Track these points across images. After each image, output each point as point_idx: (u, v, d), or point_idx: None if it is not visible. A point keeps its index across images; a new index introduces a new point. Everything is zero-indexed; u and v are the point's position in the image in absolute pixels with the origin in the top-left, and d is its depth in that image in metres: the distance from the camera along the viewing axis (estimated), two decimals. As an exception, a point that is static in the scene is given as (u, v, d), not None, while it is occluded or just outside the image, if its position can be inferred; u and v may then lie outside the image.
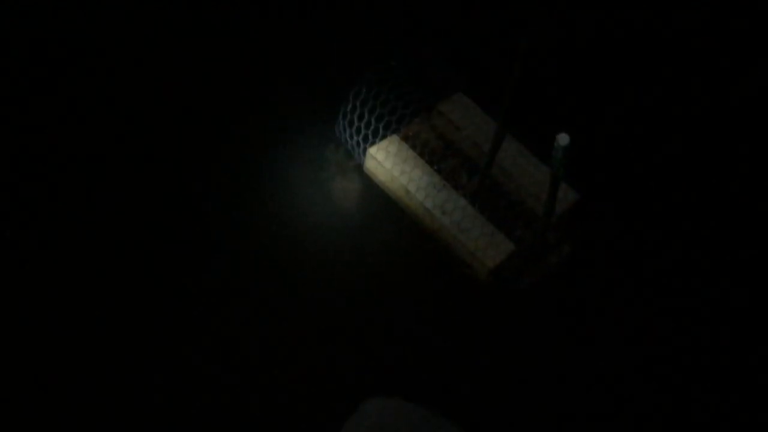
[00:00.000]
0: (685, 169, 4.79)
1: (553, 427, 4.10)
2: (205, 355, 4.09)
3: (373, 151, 4.48)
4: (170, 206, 4.44)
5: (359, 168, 4.62)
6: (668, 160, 4.81)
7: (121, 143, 4.57)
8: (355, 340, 4.20)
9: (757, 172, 4.81)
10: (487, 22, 5.08)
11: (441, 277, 4.39)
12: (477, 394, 4.12)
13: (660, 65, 5.09)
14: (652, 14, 5.18)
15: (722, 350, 4.32)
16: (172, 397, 3.99)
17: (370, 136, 4.51)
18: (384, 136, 4.53)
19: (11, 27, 4.79)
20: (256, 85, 4.81)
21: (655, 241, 4.56)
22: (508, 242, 4.33)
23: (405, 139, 4.55)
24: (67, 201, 4.38)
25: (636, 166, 4.78)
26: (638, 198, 4.68)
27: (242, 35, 4.93)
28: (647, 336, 4.33)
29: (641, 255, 4.52)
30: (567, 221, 4.47)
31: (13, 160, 4.46)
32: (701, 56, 5.13)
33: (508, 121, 4.13)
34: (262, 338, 4.16)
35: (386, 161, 4.45)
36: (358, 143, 4.54)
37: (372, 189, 4.58)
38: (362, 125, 4.50)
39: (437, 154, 4.57)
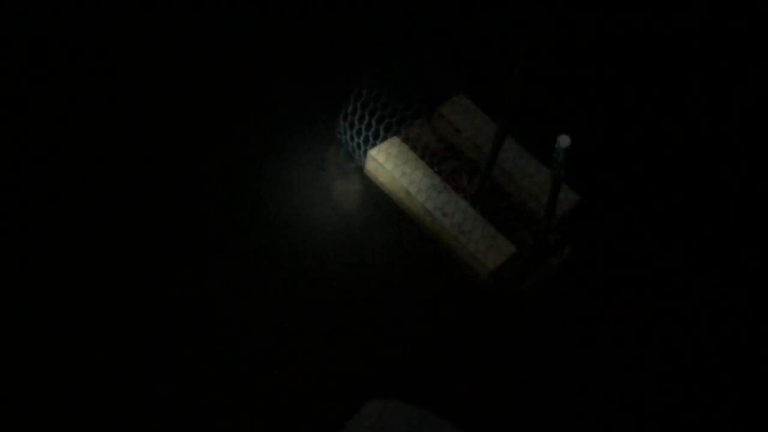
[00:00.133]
0: (686, 170, 4.79)
1: (553, 429, 4.10)
2: (204, 356, 4.09)
3: (373, 152, 4.48)
4: (170, 206, 4.44)
5: (360, 170, 4.62)
6: (669, 161, 4.81)
7: (121, 143, 4.57)
8: (355, 341, 4.20)
9: (758, 173, 4.82)
10: (487, 22, 5.07)
11: (441, 278, 4.39)
12: (477, 395, 4.13)
13: (660, 65, 5.08)
14: (652, 14, 5.17)
15: (724, 351, 4.33)
16: (171, 397, 3.99)
17: (370, 138, 4.51)
18: (385, 138, 4.53)
19: (11, 27, 4.78)
20: (256, 85, 4.80)
21: (656, 242, 4.57)
22: (509, 244, 4.33)
23: (406, 140, 4.55)
24: (67, 201, 4.38)
25: (637, 167, 4.78)
26: (639, 199, 4.69)
27: (242, 35, 4.92)
28: (648, 337, 4.33)
29: (642, 256, 4.52)
30: (568, 223, 4.48)
31: (13, 160, 4.45)
32: (701, 56, 5.13)
33: (508, 123, 4.13)
34: (262, 339, 4.16)
35: (387, 163, 4.45)
36: (358, 145, 4.54)
37: (372, 191, 4.58)
38: (363, 127, 4.50)
39: (438, 155, 4.57)
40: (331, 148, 4.66)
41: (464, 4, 5.13)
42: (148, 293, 4.21)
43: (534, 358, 4.23)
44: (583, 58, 5.06)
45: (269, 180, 4.57)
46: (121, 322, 4.12)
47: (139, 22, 4.89)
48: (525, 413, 4.11)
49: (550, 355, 4.25)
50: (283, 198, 4.53)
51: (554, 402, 4.14)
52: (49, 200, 4.37)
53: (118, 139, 4.58)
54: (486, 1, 5.13)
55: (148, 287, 4.22)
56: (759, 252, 4.60)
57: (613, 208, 4.65)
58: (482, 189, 4.45)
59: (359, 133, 4.52)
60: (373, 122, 4.50)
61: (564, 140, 3.64)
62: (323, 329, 4.22)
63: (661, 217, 4.64)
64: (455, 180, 4.51)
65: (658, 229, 4.61)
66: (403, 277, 4.39)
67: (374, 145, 4.52)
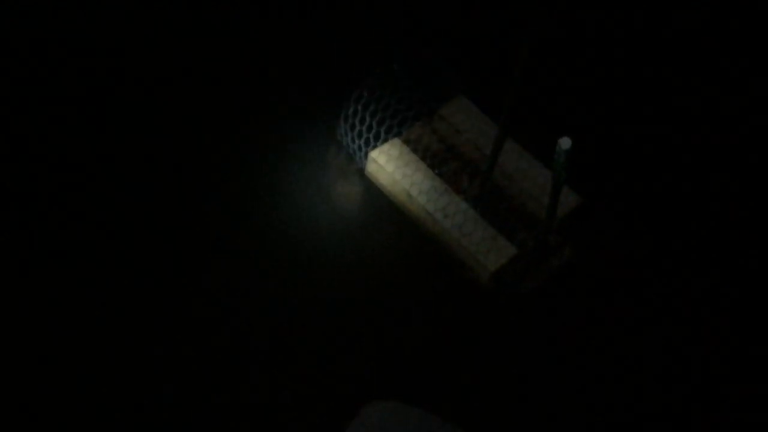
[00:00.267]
0: (687, 171, 4.79)
1: (554, 430, 4.11)
2: (204, 356, 4.08)
3: (374, 154, 4.48)
4: (170, 207, 4.43)
5: (360, 171, 4.62)
6: (669, 162, 4.81)
7: (120, 143, 4.56)
8: (355, 342, 4.20)
9: (759, 173, 4.82)
10: (488, 23, 5.07)
11: (442, 280, 4.39)
12: (478, 397, 4.13)
13: (660, 65, 5.09)
14: (652, 14, 5.18)
15: (725, 352, 4.33)
16: (171, 397, 3.99)
17: (371, 140, 4.51)
18: (385, 140, 4.54)
19: (11, 27, 4.78)
20: (256, 86, 4.80)
21: (656, 243, 4.57)
22: (510, 246, 4.33)
23: (406, 142, 4.55)
24: (67, 201, 4.38)
25: (637, 169, 4.78)
26: (640, 200, 4.69)
27: (242, 35, 4.92)
28: (649, 338, 4.33)
29: (642, 257, 4.53)
30: (569, 224, 4.48)
31: (13, 160, 4.45)
32: (701, 56, 5.13)
33: (509, 124, 4.13)
34: (261, 339, 4.16)
35: (388, 165, 4.45)
36: (359, 147, 4.54)
37: (373, 192, 4.58)
38: (364, 129, 4.50)
39: (439, 157, 4.57)
40: (331, 150, 4.66)
41: (465, 4, 5.13)
42: (147, 293, 4.20)
43: (534, 360, 4.24)
44: (583, 58, 5.06)
45: (270, 181, 4.57)
46: (121, 323, 4.12)
47: (139, 22, 4.89)
48: (525, 414, 4.11)
49: (551, 356, 4.25)
50: (283, 199, 4.53)
51: (555, 403, 4.14)
52: (49, 200, 4.37)
53: (118, 139, 4.58)
54: (487, 1, 5.13)
55: (148, 287, 4.22)
56: (759, 252, 4.60)
57: (613, 209, 4.65)
58: (483, 190, 4.45)
59: (360, 135, 4.52)
60: (374, 124, 4.50)
61: (565, 142, 3.64)
62: (323, 329, 4.22)
63: (662, 218, 4.65)
64: (456, 182, 4.51)
65: (659, 231, 4.61)
66: (404, 279, 4.39)
67: (375, 146, 4.52)
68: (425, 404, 3.78)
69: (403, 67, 4.59)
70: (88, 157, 4.51)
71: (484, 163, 4.44)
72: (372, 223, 4.52)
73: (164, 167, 4.54)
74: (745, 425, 4.19)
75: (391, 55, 4.67)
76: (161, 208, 4.43)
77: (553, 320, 4.34)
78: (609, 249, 4.54)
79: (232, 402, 4.01)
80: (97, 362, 4.02)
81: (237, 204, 4.49)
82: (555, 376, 4.21)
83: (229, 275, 4.30)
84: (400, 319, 4.28)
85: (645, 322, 4.37)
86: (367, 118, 4.50)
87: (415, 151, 4.54)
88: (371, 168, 4.54)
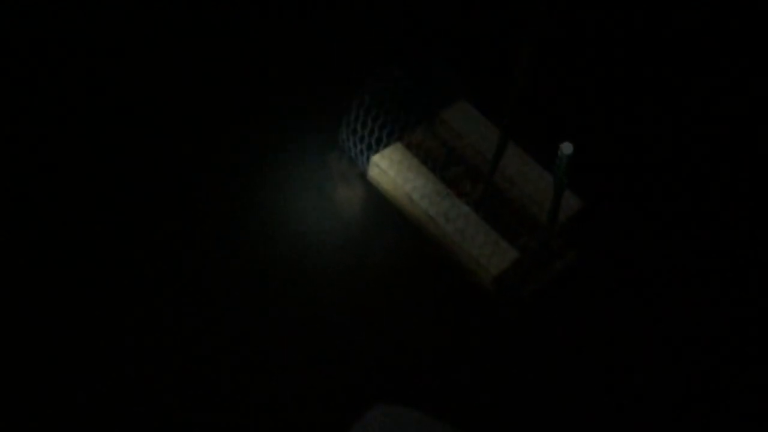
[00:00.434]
0: (689, 174, 4.80)
1: (555, 435, 4.14)
2: (203, 358, 4.09)
3: (376, 158, 4.48)
4: (169, 207, 4.43)
5: (362, 176, 4.62)
6: (672, 165, 4.82)
7: (120, 144, 4.56)
8: (357, 346, 4.21)
9: (760, 174, 4.83)
10: (490, 27, 5.06)
11: (444, 284, 4.40)
12: (480, 401, 4.14)
13: (660, 66, 5.08)
14: (653, 14, 5.17)
15: (728, 355, 4.35)
16: (170, 398, 3.99)
17: (373, 144, 4.51)
18: (387, 144, 4.53)
19: (11, 27, 4.76)
20: (256, 88, 4.79)
21: (660, 247, 4.58)
22: (512, 250, 4.34)
23: (408, 146, 4.55)
24: (66, 201, 4.37)
25: (640, 172, 4.78)
26: (642, 204, 4.69)
27: (242, 36, 4.91)
28: (652, 343, 4.35)
29: (645, 261, 4.54)
30: (571, 228, 4.49)
31: (12, 159, 4.44)
32: (701, 56, 5.13)
33: (510, 129, 4.13)
34: (262, 343, 4.16)
35: (390, 169, 4.45)
36: (361, 151, 4.53)
37: (375, 197, 4.58)
38: (365, 133, 4.50)
39: (440, 161, 4.57)
40: (333, 153, 4.66)
41: (467, 8, 5.12)
42: (147, 293, 4.20)
43: (537, 363, 4.25)
44: (584, 61, 5.06)
45: (270, 185, 4.57)
46: (120, 323, 4.12)
47: (139, 22, 4.88)
48: (529, 419, 4.12)
49: (554, 360, 4.26)
50: (284, 202, 4.53)
51: (558, 407, 4.16)
52: (48, 200, 4.37)
53: (117, 139, 4.57)
54: (488, 5, 5.12)
55: (148, 287, 4.22)
56: (764, 254, 4.61)
57: (615, 212, 4.65)
58: (485, 195, 4.45)
59: (362, 140, 4.51)
60: (376, 128, 4.50)
61: (567, 147, 3.65)
62: (324, 334, 4.22)
63: (665, 221, 4.65)
64: (458, 186, 4.51)
65: (662, 234, 4.62)
66: (405, 282, 4.39)
67: (377, 151, 4.52)
68: (428, 408, 3.79)
69: (405, 71, 4.58)
70: (88, 157, 4.50)
71: (486, 167, 4.44)
72: (374, 227, 4.52)
73: (164, 167, 4.53)
74: (747, 425, 4.20)
75: (392, 57, 4.67)
76: (161, 208, 4.42)
77: (556, 323, 4.35)
78: (611, 252, 4.54)
79: (232, 404, 4.01)
80: (96, 362, 4.02)
81: (237, 209, 4.49)
82: (558, 380, 4.22)
83: (229, 275, 4.30)
84: (402, 322, 4.29)
85: (648, 324, 4.38)
86: (369, 123, 4.50)
87: (417, 155, 4.54)
88: (373, 172, 4.54)
